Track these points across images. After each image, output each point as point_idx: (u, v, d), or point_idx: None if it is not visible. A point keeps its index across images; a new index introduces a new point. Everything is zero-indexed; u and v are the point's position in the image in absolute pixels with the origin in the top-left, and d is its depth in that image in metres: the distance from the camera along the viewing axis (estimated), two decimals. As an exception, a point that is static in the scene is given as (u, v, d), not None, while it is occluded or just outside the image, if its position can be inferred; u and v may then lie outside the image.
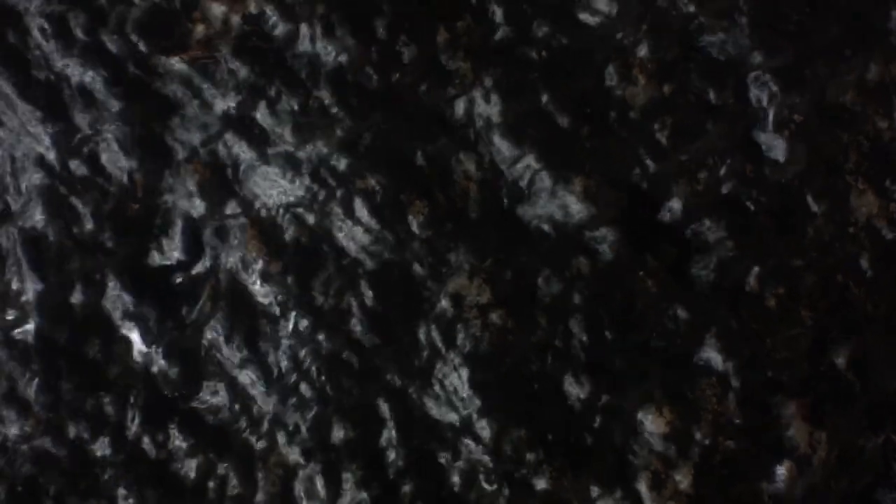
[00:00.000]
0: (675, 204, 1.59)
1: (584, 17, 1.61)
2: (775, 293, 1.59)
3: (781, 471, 1.53)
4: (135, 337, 1.54)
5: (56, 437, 1.55)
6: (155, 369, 1.54)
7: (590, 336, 1.53)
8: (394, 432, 1.51)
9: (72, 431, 1.55)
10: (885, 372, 1.61)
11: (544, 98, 1.57)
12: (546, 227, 1.56)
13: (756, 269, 1.59)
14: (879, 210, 1.66)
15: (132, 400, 1.55)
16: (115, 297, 1.55)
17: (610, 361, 1.53)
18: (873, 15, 1.69)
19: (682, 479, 1.51)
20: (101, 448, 1.54)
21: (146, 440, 1.54)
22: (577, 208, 1.55)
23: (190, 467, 1.53)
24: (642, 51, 1.61)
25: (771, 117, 1.62)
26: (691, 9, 1.61)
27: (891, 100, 1.68)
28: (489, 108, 1.56)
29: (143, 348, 1.54)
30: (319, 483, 1.51)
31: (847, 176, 1.66)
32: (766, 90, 1.62)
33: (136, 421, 1.54)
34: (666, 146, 1.60)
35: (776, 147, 1.62)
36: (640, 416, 1.52)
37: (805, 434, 1.54)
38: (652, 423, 1.51)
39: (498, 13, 1.59)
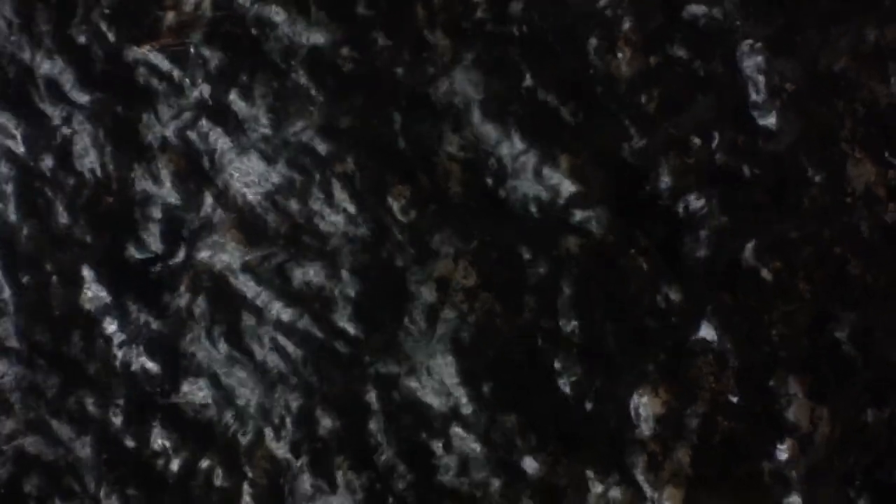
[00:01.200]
0: (666, 178, 1.55)
1: (566, -11, 1.56)
2: (772, 267, 1.54)
3: (783, 449, 1.49)
4: (114, 332, 1.51)
5: (38, 436, 1.51)
6: (135, 365, 1.51)
7: (580, 317, 1.49)
8: (382, 422, 1.47)
9: (54, 430, 1.51)
10: (888, 345, 1.56)
11: (527, 75, 1.53)
12: (532, 207, 1.52)
13: (751, 242, 1.55)
14: (877, 178, 1.60)
15: (114, 397, 1.51)
16: (93, 293, 1.51)
17: (602, 343, 1.49)
18: (866, -23, 1.64)
19: (680, 461, 1.46)
20: (84, 446, 1.51)
21: (129, 437, 1.51)
22: (564, 187, 1.51)
23: (174, 464, 1.49)
24: (626, 23, 1.56)
25: (762, 86, 1.57)
26: (676, -23, 1.57)
27: (886, 65, 1.63)
28: (470, 87, 1.52)
29: (123, 344, 1.50)
30: (307, 476, 1.47)
31: (843, 144, 1.61)
32: (755, 59, 1.57)
33: (119, 418, 1.50)
34: (654, 119, 1.55)
35: (768, 117, 1.57)
36: (634, 397, 1.48)
37: (806, 411, 1.49)
38: (647, 405, 1.47)
39: (476, -13, 1.55)
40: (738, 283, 1.54)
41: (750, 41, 1.58)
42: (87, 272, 1.52)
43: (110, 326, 1.51)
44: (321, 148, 1.48)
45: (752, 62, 1.57)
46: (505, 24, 1.54)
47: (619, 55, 1.56)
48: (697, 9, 1.58)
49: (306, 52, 1.49)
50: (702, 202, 1.54)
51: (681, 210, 1.55)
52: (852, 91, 1.61)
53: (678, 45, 1.57)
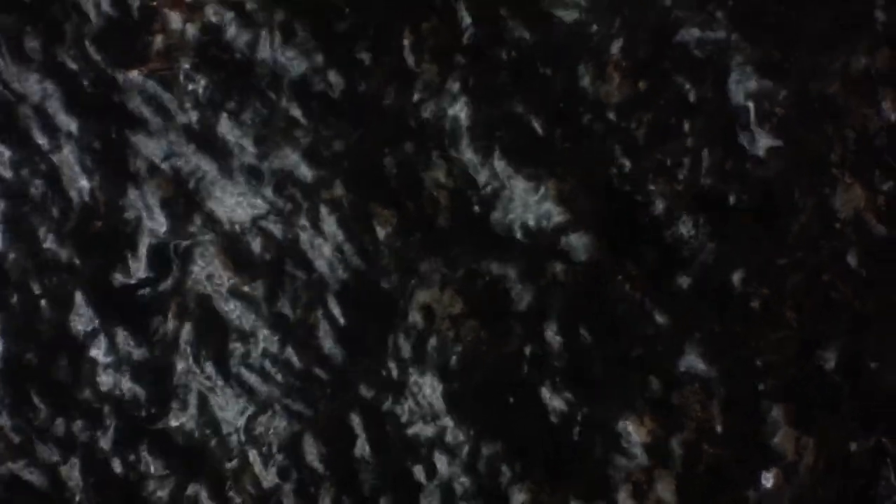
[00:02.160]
0: (655, 205, 1.54)
1: (556, 14, 1.55)
2: (759, 294, 1.54)
3: (768, 478, 1.49)
4: (102, 357, 1.51)
5: (27, 460, 1.52)
6: (123, 390, 1.51)
7: (567, 344, 1.49)
8: (367, 448, 1.47)
9: (42, 455, 1.51)
10: (876, 372, 1.55)
11: (515, 100, 1.52)
12: (519, 233, 1.51)
13: (739, 269, 1.54)
14: (867, 204, 1.60)
15: (101, 422, 1.51)
16: (81, 317, 1.51)
17: (589, 370, 1.49)
18: (857, 2, 1.62)
19: (665, 490, 1.46)
20: (72, 471, 1.51)
21: (117, 462, 1.51)
22: (551, 213, 1.51)
23: (161, 489, 1.50)
24: (616, 47, 1.56)
25: (752, 112, 1.57)
26: (667, 2, 1.56)
27: (877, 90, 1.62)
28: (458, 113, 1.51)
29: (111, 369, 1.51)
30: (293, 503, 1.47)
31: (833, 169, 1.60)
32: (746, 84, 1.56)
33: (106, 443, 1.50)
34: (643, 145, 1.55)
35: (758, 142, 1.57)
36: (620, 425, 1.48)
37: (792, 440, 1.49)
38: (633, 433, 1.47)
39: (465, 13, 1.54)
40: (726, 310, 1.53)
41: (740, 66, 1.57)
42: (76, 297, 1.51)
43: (98, 351, 1.51)
44: (308, 174, 1.48)
45: (742, 87, 1.57)
46: (493, 49, 1.54)
47: (609, 80, 1.55)
48: (689, 33, 1.57)
49: (293, 78, 1.49)
50: (690, 228, 1.54)
51: (669, 236, 1.54)
52: (842, 116, 1.61)
53: (668, 69, 1.57)
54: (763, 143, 1.56)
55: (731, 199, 1.56)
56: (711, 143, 1.56)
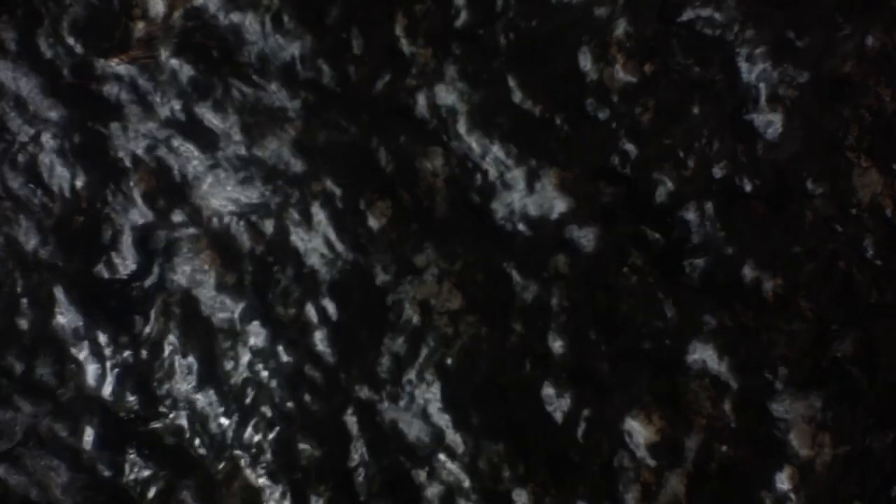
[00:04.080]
0: (661, 191, 1.48)
1: (555, -6, 1.49)
2: (773, 284, 1.47)
3: (783, 478, 1.42)
4: (86, 358, 1.45)
5: (12, 464, 1.46)
6: (109, 391, 1.45)
7: (571, 340, 1.42)
8: (364, 450, 1.41)
9: (26, 459, 1.46)
10: (894, 365, 1.48)
11: (513, 85, 1.45)
12: (520, 224, 1.45)
13: (751, 258, 1.47)
14: (884, 188, 1.53)
15: (87, 424, 1.45)
16: (65, 316, 1.45)
17: (593, 367, 1.43)
18: (871, -24, 1.55)
19: (675, 490, 1.40)
20: (58, 475, 1.45)
21: (103, 465, 1.45)
22: (553, 203, 1.44)
23: (149, 492, 1.44)
24: (620, 28, 1.49)
25: (763, 93, 1.50)
26: (672, -21, 1.49)
27: (894, 68, 1.55)
28: (454, 99, 1.45)
29: (96, 369, 1.45)
30: (287, 506, 1.41)
31: (848, 153, 1.53)
32: (756, 64, 1.50)
33: (92, 445, 1.45)
34: (649, 130, 1.48)
35: (769, 125, 1.50)
36: (627, 424, 1.41)
37: (807, 437, 1.43)
38: (640, 432, 1.41)
39: (460, -6, 1.47)
40: (737, 301, 1.47)
41: (750, 46, 1.50)
42: (58, 295, 1.45)
43: (82, 351, 1.45)
44: (297, 165, 1.42)
45: (752, 68, 1.50)
46: (490, 32, 1.47)
47: (612, 63, 1.48)
48: (695, 12, 1.50)
49: (280, 64, 1.42)
50: (699, 216, 1.47)
51: (677, 226, 1.48)
52: (858, 97, 1.54)
53: (675, 51, 1.49)
54: (775, 125, 1.49)
55: (742, 185, 1.49)
56: (720, 127, 1.49)
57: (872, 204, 1.53)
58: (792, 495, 1.41)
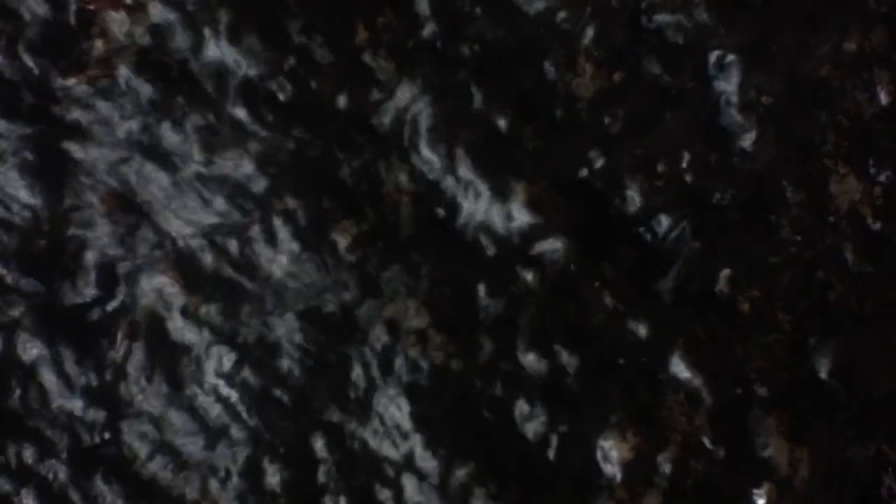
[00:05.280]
0: (633, 203, 1.45)
1: (521, 3, 1.45)
2: (749, 296, 1.45)
3: (760, 494, 1.40)
4: (51, 382, 1.43)
5: (-22, 491, 1.45)
6: (75, 416, 1.43)
7: (541, 357, 1.40)
8: (332, 472, 1.39)
9: (-6, 486, 1.44)
10: (874, 376, 1.46)
11: (479, 98, 1.42)
12: (487, 239, 1.42)
13: (726, 270, 1.45)
14: (863, 195, 1.50)
15: (54, 449, 1.43)
16: (28, 342, 1.43)
17: (565, 384, 1.40)
18: (847, -23, 1.52)
19: (650, 509, 1.37)
20: (26, 502, 1.43)
21: (72, 490, 1.43)
22: (521, 217, 1.42)
23: (117, 520, 1.42)
24: (587, 36, 1.46)
25: (736, 100, 1.47)
26: (641, -15, 1.46)
27: (872, 72, 1.51)
28: (418, 113, 1.42)
29: (61, 394, 1.43)
30: (256, 530, 1.39)
31: (825, 159, 1.50)
32: (728, 71, 1.46)
33: (60, 471, 1.43)
34: (619, 140, 1.46)
35: (743, 133, 1.47)
36: (600, 442, 1.39)
37: (785, 452, 1.40)
38: (614, 450, 1.38)
39: (423, 6, 1.44)
40: (712, 314, 1.44)
41: (722, 52, 1.47)
42: (21, 320, 1.43)
43: (47, 376, 1.43)
44: (259, 184, 1.39)
45: (724, 75, 1.47)
46: (454, 43, 1.44)
47: (581, 72, 1.45)
48: (665, 19, 1.46)
49: (239, 81, 1.39)
50: (672, 227, 1.45)
51: (649, 237, 1.46)
52: (835, 101, 1.51)
53: (644, 58, 1.47)
54: (749, 133, 1.46)
55: (716, 195, 1.46)
56: (693, 136, 1.47)
57: (851, 211, 1.50)
58: (770, 512, 1.39)
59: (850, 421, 1.44)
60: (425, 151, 1.41)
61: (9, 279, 1.44)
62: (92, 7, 1.41)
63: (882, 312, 1.48)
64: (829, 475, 1.42)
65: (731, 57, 1.46)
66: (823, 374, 1.44)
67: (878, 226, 1.49)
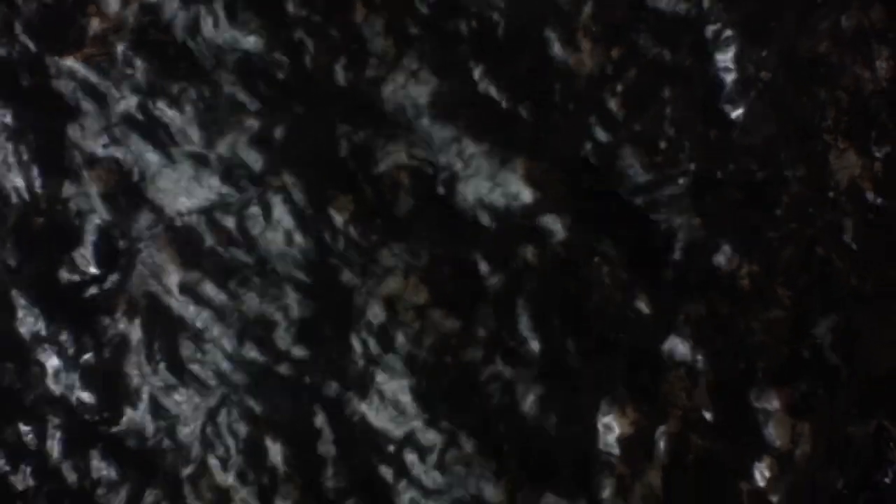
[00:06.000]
0: (633, 179, 1.44)
1: (520, -21, 1.45)
2: (749, 272, 1.44)
3: (761, 469, 1.39)
4: (50, 360, 1.43)
5: (-23, 469, 1.44)
6: (73, 393, 1.43)
7: (541, 333, 1.39)
8: (332, 449, 1.39)
9: (-8, 463, 1.44)
10: (875, 352, 1.45)
11: (477, 73, 1.42)
12: (487, 216, 1.42)
13: (726, 245, 1.44)
14: (863, 171, 1.49)
15: (51, 427, 1.43)
16: (26, 319, 1.43)
17: (565, 361, 1.40)
18: (846, -47, 1.51)
19: (651, 484, 1.37)
20: (23, 479, 1.43)
21: (68, 468, 1.43)
22: (520, 193, 1.41)
23: (116, 495, 1.41)
24: (586, 12, 1.45)
25: (735, 77, 1.46)
26: (639, -39, 1.45)
27: (871, 47, 1.51)
28: (417, 90, 1.42)
29: (60, 373, 1.42)
30: (255, 506, 1.39)
31: (825, 135, 1.50)
32: (727, 47, 1.46)
33: (57, 449, 1.42)
34: (618, 117, 1.45)
35: (742, 109, 1.47)
36: (600, 417, 1.38)
37: (786, 427, 1.40)
38: (614, 425, 1.38)
39: (421, -19, 1.44)
40: (712, 290, 1.44)
41: (720, 28, 1.46)
42: (19, 298, 1.43)
43: (45, 354, 1.43)
44: (256, 161, 1.39)
45: (723, 51, 1.46)
46: (453, 19, 1.43)
47: (579, 48, 1.44)
48: (664, -6, 1.46)
49: (236, 58, 1.39)
50: (672, 203, 1.44)
51: (649, 214, 1.44)
52: (834, 78, 1.50)
53: (643, 35, 1.46)
54: (748, 109, 1.46)
55: (716, 172, 1.46)
56: (692, 113, 1.46)
57: (851, 187, 1.49)
58: (771, 486, 1.38)
59: (852, 397, 1.44)
60: (424, 128, 1.41)
61: (7, 256, 1.44)
62: (88, -16, 1.41)
63: (882, 291, 1.47)
64: (830, 450, 1.42)
65: (729, 33, 1.45)
66: (824, 350, 1.43)
67: (878, 201, 1.48)
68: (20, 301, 1.44)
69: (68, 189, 1.43)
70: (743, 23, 1.46)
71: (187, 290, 1.41)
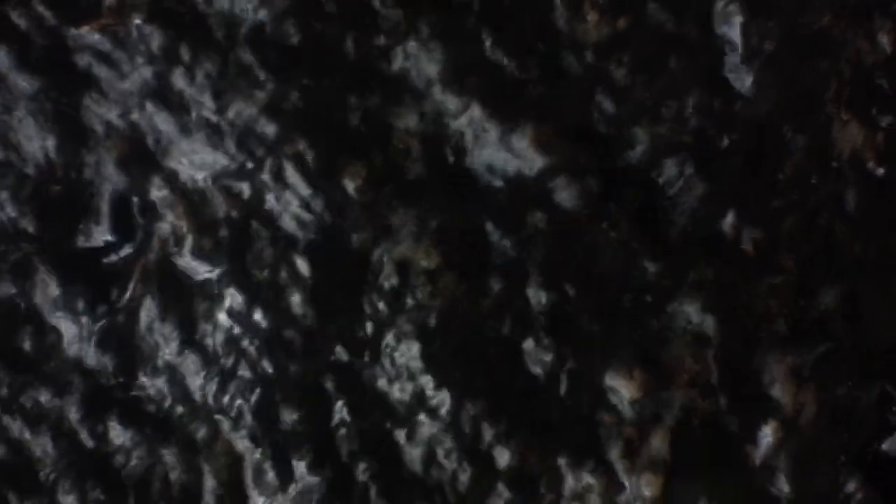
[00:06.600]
0: (639, 147, 1.47)
1: (527, -50, 1.47)
2: (753, 238, 1.46)
3: (767, 433, 1.41)
4: (66, 326, 1.45)
5: (-5, 435, 1.46)
6: (89, 360, 1.45)
7: (550, 297, 1.41)
8: (344, 411, 1.41)
9: (9, 428, 1.45)
10: (877, 318, 1.48)
11: (487, 43, 1.44)
12: (497, 181, 1.44)
13: (731, 213, 1.47)
14: (865, 141, 1.51)
15: (69, 393, 1.45)
16: (43, 286, 1.45)
17: (574, 324, 1.42)
18: (849, -76, 1.54)
19: (658, 446, 1.39)
20: (41, 444, 1.45)
21: (85, 434, 1.45)
22: (530, 159, 1.43)
23: (132, 459, 1.44)
24: (593, -17, 1.47)
25: (739, 47, 1.49)
26: (645, -68, 1.48)
27: (873, 19, 1.53)
28: (427, 58, 1.44)
29: (76, 338, 1.44)
30: (269, 469, 1.41)
31: (828, 106, 1.52)
32: (732, 18, 1.48)
33: (75, 414, 1.44)
34: (625, 86, 1.47)
35: (746, 80, 1.49)
36: (608, 380, 1.41)
37: (790, 392, 1.42)
38: (622, 388, 1.40)
39: (430, -49, 1.46)
40: (718, 256, 1.46)
41: (727, 0, 1.48)
42: (36, 265, 1.45)
43: (62, 320, 1.45)
44: (269, 128, 1.41)
45: (728, 21, 1.49)
46: (462, -9, 1.46)
47: (586, 18, 1.47)
48: (669, -34, 1.48)
49: (249, 27, 1.41)
50: (678, 171, 1.46)
51: (655, 181, 1.47)
52: (837, 49, 1.53)
53: (649, 5, 1.48)
54: (752, 80, 1.48)
55: (720, 140, 1.48)
56: (697, 82, 1.48)
57: (853, 157, 1.52)
58: (777, 449, 1.40)
59: (855, 363, 1.46)
60: (434, 96, 1.43)
61: (24, 224, 1.46)
62: (104, -44, 1.43)
63: (885, 261, 1.49)
64: (835, 416, 1.44)
65: (734, 4, 1.48)
66: (828, 316, 1.45)
67: (880, 171, 1.50)
68: (38, 267, 1.46)
69: (84, 157, 1.45)
70: (747, -6, 1.48)
71: (200, 255, 1.43)
